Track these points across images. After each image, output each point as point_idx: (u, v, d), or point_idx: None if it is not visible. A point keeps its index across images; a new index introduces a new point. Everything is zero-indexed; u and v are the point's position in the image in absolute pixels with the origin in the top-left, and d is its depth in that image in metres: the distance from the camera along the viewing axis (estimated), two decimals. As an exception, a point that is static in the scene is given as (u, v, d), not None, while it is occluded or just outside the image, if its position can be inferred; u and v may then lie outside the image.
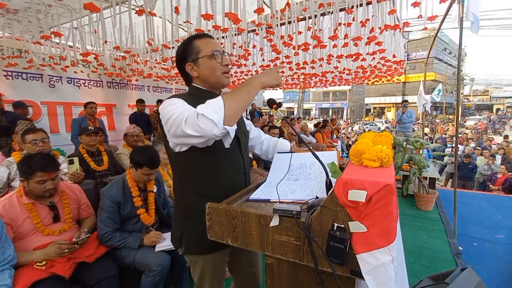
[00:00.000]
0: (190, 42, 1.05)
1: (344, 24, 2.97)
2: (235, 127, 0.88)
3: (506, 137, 10.76)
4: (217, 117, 0.81)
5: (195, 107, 0.97)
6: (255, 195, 0.99)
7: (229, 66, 1.08)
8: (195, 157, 1.00)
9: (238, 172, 1.11)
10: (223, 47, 2.88)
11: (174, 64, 4.78)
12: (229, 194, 0.99)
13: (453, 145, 6.51)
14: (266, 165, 3.82)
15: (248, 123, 1.30)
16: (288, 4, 2.41)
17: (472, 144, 9.39)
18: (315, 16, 2.88)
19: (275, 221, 0.76)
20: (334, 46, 3.74)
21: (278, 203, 0.87)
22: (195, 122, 0.81)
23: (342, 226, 0.66)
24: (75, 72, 4.85)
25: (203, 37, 1.06)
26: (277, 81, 0.97)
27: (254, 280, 1.28)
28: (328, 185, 0.90)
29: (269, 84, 0.95)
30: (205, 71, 1.04)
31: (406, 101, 6.70)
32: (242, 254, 1.21)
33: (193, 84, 1.08)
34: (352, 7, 2.63)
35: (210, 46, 1.03)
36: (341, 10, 2.89)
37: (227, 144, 0.90)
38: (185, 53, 1.05)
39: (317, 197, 0.86)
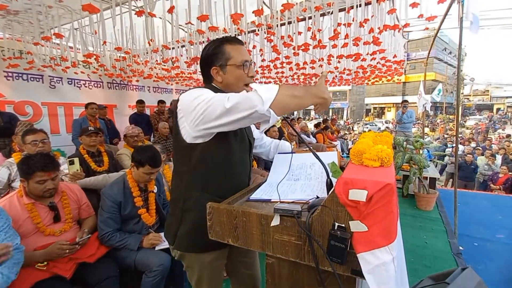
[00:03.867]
0: (221, 46, 1.02)
1: (344, 25, 2.98)
2: (275, 118, 0.84)
3: (509, 136, 10.76)
4: (267, 96, 0.79)
5: None
6: (256, 195, 1.00)
7: (254, 78, 1.06)
8: (210, 151, 0.97)
9: (244, 174, 1.12)
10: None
11: (174, 65, 4.84)
12: (232, 194, 1.00)
13: (454, 145, 6.50)
14: (266, 165, 3.82)
15: (253, 126, 1.30)
16: (285, 5, 2.41)
17: (473, 144, 9.38)
18: (315, 16, 2.89)
19: (276, 221, 0.76)
20: (334, 46, 3.75)
21: (279, 203, 0.88)
22: (241, 95, 0.82)
23: (343, 225, 0.67)
24: (75, 73, 4.86)
25: (235, 42, 1.04)
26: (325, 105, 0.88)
27: (252, 282, 1.26)
28: (329, 185, 0.91)
29: (320, 103, 0.88)
30: (231, 79, 1.02)
31: (406, 101, 6.70)
32: (238, 256, 1.21)
33: (213, 85, 1.06)
34: (352, 7, 2.64)
35: (241, 55, 1.01)
36: (340, 10, 2.90)
37: (262, 129, 0.94)
38: (214, 56, 1.02)
39: (317, 197, 0.86)
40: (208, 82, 1.08)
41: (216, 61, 1.01)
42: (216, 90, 1.01)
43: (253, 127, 1.29)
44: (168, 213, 1.14)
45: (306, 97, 0.86)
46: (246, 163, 1.12)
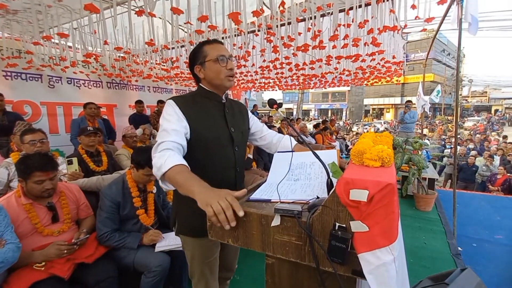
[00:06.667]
0: (200, 47, 1.15)
1: (344, 25, 2.98)
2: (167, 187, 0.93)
3: (505, 137, 10.83)
4: (157, 174, 0.92)
5: (197, 107, 1.12)
6: (255, 195, 0.99)
7: (233, 70, 1.16)
8: (190, 151, 1.09)
9: (228, 168, 1.20)
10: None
11: (174, 65, 4.84)
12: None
13: (452, 146, 6.52)
14: (265, 165, 3.82)
15: (252, 118, 1.36)
16: (282, 3, 2.41)
17: (471, 145, 9.41)
18: (315, 17, 2.89)
19: (276, 221, 0.75)
20: (334, 47, 3.75)
21: (279, 203, 0.87)
22: (156, 156, 0.94)
23: (344, 225, 0.66)
24: (74, 72, 4.84)
25: (212, 42, 1.16)
26: (206, 208, 0.75)
27: (228, 267, 1.40)
28: (329, 185, 0.90)
29: (197, 200, 0.79)
30: (210, 74, 1.13)
31: (410, 101, 6.63)
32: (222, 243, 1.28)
33: (200, 85, 1.19)
34: (351, 8, 2.64)
35: (217, 51, 1.11)
36: (340, 11, 2.90)
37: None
38: (195, 56, 1.15)
39: (318, 197, 0.85)
40: (198, 83, 1.21)
41: (197, 60, 1.15)
42: (204, 91, 1.18)
43: (250, 118, 1.34)
44: (172, 199, 1.27)
45: (181, 188, 0.86)
46: (229, 157, 1.18)
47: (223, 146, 1.16)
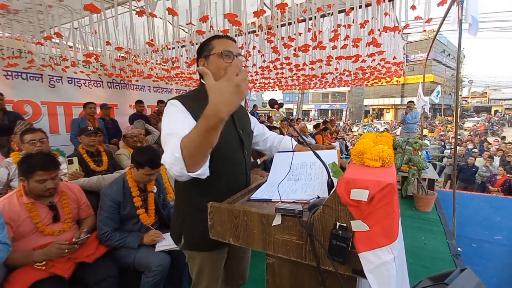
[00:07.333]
0: (209, 40, 1.09)
1: (344, 26, 2.99)
2: (203, 169, 0.82)
3: (503, 138, 10.85)
4: (179, 169, 0.78)
5: (199, 106, 0.95)
6: (256, 195, 1.00)
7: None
8: None
9: (240, 173, 1.13)
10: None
11: (174, 65, 4.84)
12: (230, 194, 1.00)
13: (452, 147, 6.52)
14: (265, 166, 3.82)
15: (253, 121, 1.32)
16: (280, 5, 2.41)
17: (470, 146, 9.42)
18: (315, 17, 2.90)
19: (277, 220, 0.76)
20: (334, 47, 3.75)
21: (280, 202, 0.88)
22: (169, 169, 0.80)
23: (345, 225, 0.67)
24: (75, 72, 4.84)
25: (222, 37, 1.09)
26: (237, 102, 0.72)
27: (241, 274, 1.34)
28: (330, 185, 0.91)
29: (231, 111, 0.72)
30: (212, 69, 1.03)
31: (412, 101, 6.61)
32: (234, 251, 1.24)
33: (202, 81, 1.10)
34: (352, 8, 2.65)
35: (224, 46, 1.04)
36: (340, 11, 2.91)
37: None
38: (201, 49, 1.09)
39: (318, 197, 0.86)
40: (201, 78, 1.13)
41: (202, 53, 1.08)
42: (204, 89, 1.01)
43: (252, 121, 1.30)
44: (173, 213, 1.18)
45: (205, 137, 0.74)
46: (239, 161, 1.12)
47: (235, 150, 1.10)
